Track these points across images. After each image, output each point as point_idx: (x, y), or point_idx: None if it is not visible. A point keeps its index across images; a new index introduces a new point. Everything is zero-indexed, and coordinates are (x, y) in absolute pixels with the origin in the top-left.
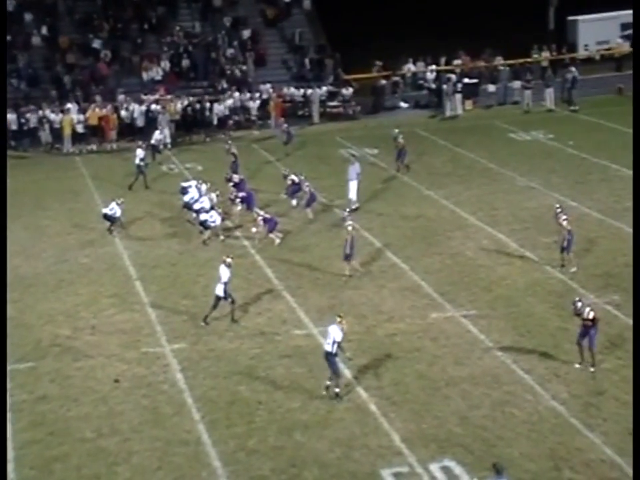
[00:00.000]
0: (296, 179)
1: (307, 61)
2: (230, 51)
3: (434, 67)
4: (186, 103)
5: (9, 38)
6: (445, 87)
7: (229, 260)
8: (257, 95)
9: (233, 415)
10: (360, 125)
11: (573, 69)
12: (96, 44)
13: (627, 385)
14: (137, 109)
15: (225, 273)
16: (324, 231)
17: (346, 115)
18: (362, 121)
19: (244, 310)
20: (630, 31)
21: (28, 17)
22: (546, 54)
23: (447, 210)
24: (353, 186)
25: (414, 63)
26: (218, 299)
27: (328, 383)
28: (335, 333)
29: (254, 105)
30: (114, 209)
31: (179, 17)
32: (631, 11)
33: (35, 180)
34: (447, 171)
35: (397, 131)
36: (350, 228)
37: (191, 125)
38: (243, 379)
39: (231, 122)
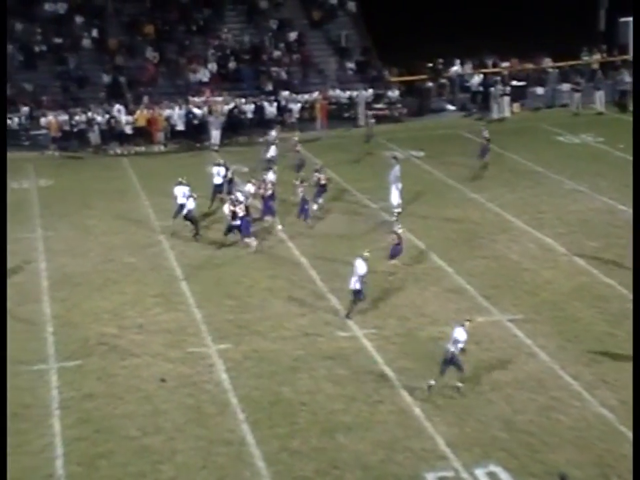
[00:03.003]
0: (323, 180)
1: (352, 63)
2: (276, 53)
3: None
4: (232, 105)
5: (59, 40)
6: (492, 89)
7: (366, 254)
8: (298, 96)
9: (275, 415)
10: (405, 127)
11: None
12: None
13: None
14: (177, 113)
15: (361, 266)
16: (367, 233)
17: (391, 117)
18: (407, 123)
19: (287, 311)
20: None
21: (78, 19)
22: (596, 56)
23: (492, 213)
24: (394, 190)
25: (461, 65)
26: (355, 292)
27: (432, 382)
28: (460, 334)
29: (295, 107)
30: (187, 201)
31: (225, 19)
32: None
33: (83, 180)
34: (492, 173)
35: (482, 126)
36: (400, 231)
37: (236, 127)
38: (285, 379)
39: (286, 122)
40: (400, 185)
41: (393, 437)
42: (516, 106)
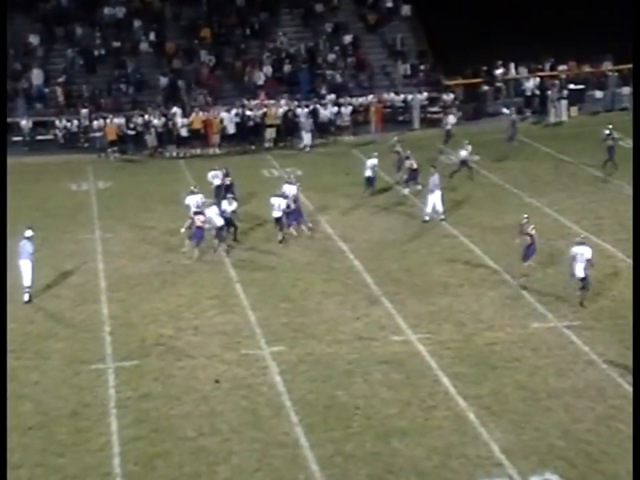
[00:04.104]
0: (415, 165)
1: (407, 66)
2: (331, 56)
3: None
4: (287, 108)
5: (118, 44)
6: (549, 92)
7: (583, 237)
8: (349, 100)
9: (330, 419)
10: (461, 131)
11: None
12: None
13: None
14: (227, 116)
15: (587, 251)
16: (423, 236)
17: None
18: (462, 127)
19: (341, 314)
20: None
21: (137, 23)
22: None
23: (550, 218)
24: (431, 198)
25: (516, 69)
26: (583, 279)
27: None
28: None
29: (346, 110)
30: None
31: (281, 23)
32: None
33: (140, 182)
34: (549, 178)
35: (608, 128)
36: (534, 231)
37: (291, 130)
38: (340, 383)
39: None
40: (440, 192)
41: (447, 443)
42: (573, 110)
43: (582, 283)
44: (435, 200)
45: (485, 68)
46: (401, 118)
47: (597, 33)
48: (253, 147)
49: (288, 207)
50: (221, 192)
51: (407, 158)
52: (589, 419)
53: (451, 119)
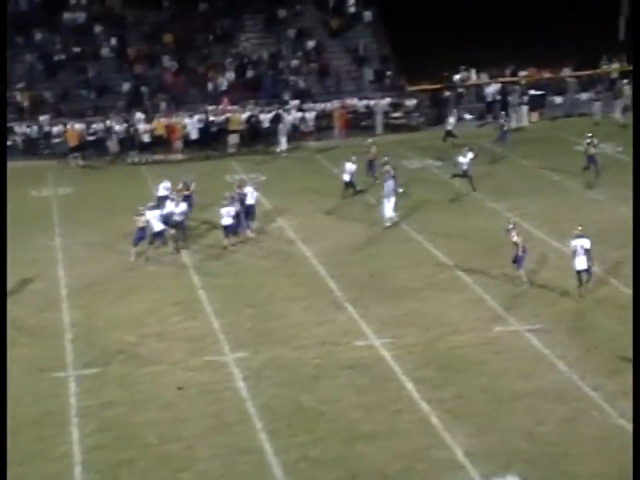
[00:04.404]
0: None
1: (371, 71)
2: (294, 62)
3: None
4: (250, 113)
5: (78, 49)
6: (510, 98)
7: (579, 229)
8: (312, 105)
9: (295, 424)
10: (423, 136)
11: None
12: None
13: None
14: (190, 122)
15: (586, 242)
16: (387, 241)
17: (409, 126)
18: (425, 132)
19: (306, 320)
20: None
21: (98, 28)
22: (616, 65)
23: None
24: (387, 204)
25: (478, 74)
26: (587, 271)
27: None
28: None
29: (310, 116)
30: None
31: (244, 28)
32: None
33: (101, 189)
34: (512, 183)
35: (589, 136)
36: (517, 239)
37: (255, 136)
38: (305, 388)
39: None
40: (393, 199)
41: (412, 447)
42: (534, 115)
43: (585, 274)
44: (389, 205)
45: (446, 74)
46: (364, 123)
47: (557, 39)
48: (216, 153)
49: (237, 214)
50: (164, 202)
51: (386, 163)
52: (551, 421)
53: (451, 119)
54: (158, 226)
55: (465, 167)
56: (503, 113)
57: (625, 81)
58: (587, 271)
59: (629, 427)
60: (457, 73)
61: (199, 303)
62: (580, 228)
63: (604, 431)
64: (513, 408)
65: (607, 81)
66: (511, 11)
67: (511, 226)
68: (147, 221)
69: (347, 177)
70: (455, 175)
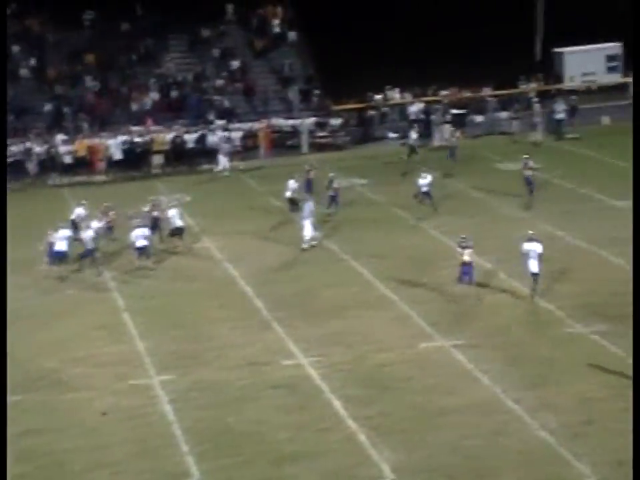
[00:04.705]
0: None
1: (295, 91)
2: (219, 82)
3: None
4: (174, 134)
5: None
6: (433, 117)
7: (531, 232)
8: (239, 125)
9: (221, 446)
10: (348, 155)
11: (573, 97)
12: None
13: (617, 414)
14: (113, 143)
15: (538, 246)
16: (313, 260)
17: (334, 145)
18: (350, 151)
19: (233, 340)
20: (615, 63)
21: (16, 48)
22: (533, 85)
23: (436, 240)
24: (307, 224)
25: (401, 93)
26: (536, 274)
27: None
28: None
29: (236, 135)
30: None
31: (168, 48)
32: (616, 44)
33: (20, 212)
34: (435, 200)
35: (525, 157)
36: (467, 259)
37: (179, 156)
38: (232, 410)
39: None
40: (313, 220)
41: (339, 465)
42: (456, 133)
43: (536, 277)
44: (309, 226)
45: (370, 93)
46: (289, 143)
47: (477, 59)
48: (140, 174)
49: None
50: (78, 225)
51: (331, 180)
52: (475, 435)
53: (413, 134)
54: (60, 246)
55: (425, 189)
56: (453, 129)
57: (536, 99)
58: (538, 274)
59: (550, 439)
60: (380, 92)
61: (123, 326)
62: (531, 232)
63: (526, 443)
64: (439, 423)
65: (524, 100)
66: (432, 32)
67: (462, 243)
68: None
69: (289, 194)
70: (416, 196)
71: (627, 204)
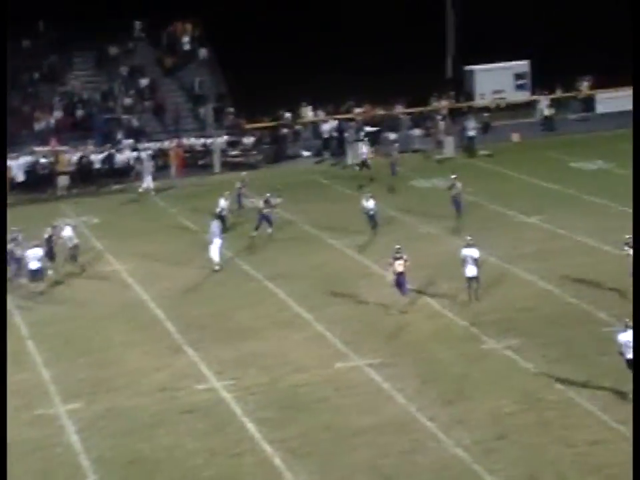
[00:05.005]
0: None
1: (207, 109)
2: (127, 100)
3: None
4: (80, 154)
5: None
6: (346, 134)
7: (469, 237)
8: (147, 144)
9: (132, 475)
10: (262, 174)
11: (486, 114)
12: None
13: (527, 429)
14: (15, 164)
15: (475, 252)
16: (226, 281)
17: (247, 164)
18: (263, 170)
19: (143, 366)
20: (523, 81)
21: None
22: (445, 102)
23: (351, 258)
24: (214, 245)
25: (314, 111)
26: (474, 278)
27: None
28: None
29: (145, 155)
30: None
31: (73, 66)
32: (523, 62)
33: None
34: (349, 219)
35: (451, 178)
36: (400, 269)
37: (86, 177)
38: (143, 437)
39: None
40: (220, 241)
41: None
42: (370, 151)
43: (473, 281)
44: (215, 248)
45: (281, 112)
46: (201, 162)
47: (389, 77)
48: (45, 196)
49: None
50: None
51: (267, 201)
52: (391, 454)
53: (363, 147)
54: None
55: (371, 213)
56: (396, 145)
57: (440, 117)
58: (476, 278)
59: (464, 455)
60: (293, 110)
61: (27, 354)
62: (469, 238)
63: (441, 460)
64: (355, 443)
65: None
66: (345, 49)
67: (397, 247)
68: None
69: (218, 211)
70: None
71: (537, 219)
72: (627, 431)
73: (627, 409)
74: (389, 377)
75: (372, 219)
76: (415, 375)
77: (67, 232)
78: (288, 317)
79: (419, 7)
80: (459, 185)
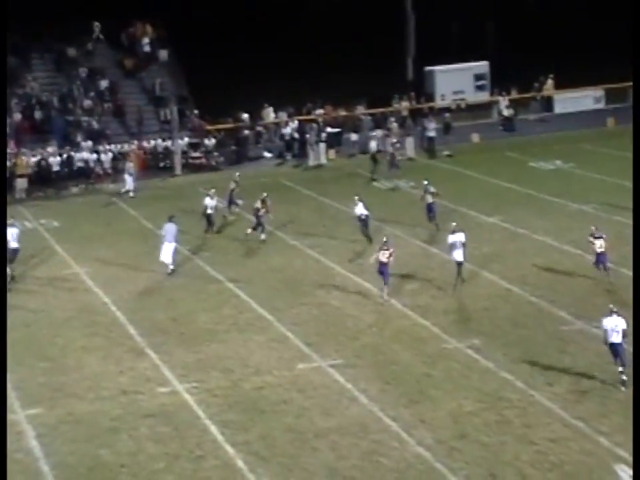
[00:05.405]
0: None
1: (167, 111)
2: (86, 102)
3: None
4: (39, 157)
5: None
6: (307, 136)
7: (454, 224)
8: (109, 147)
9: None
10: (223, 176)
11: (447, 114)
12: None
13: (488, 428)
14: None
15: (462, 237)
16: (188, 284)
17: (209, 166)
18: (225, 172)
19: (105, 370)
20: (483, 82)
21: None
22: (405, 103)
23: (313, 260)
24: (167, 248)
25: (275, 112)
26: (461, 263)
27: (621, 369)
28: (620, 323)
29: (106, 157)
30: None
31: (32, 68)
32: (483, 62)
33: None
34: (312, 220)
35: (425, 183)
36: (383, 259)
37: (45, 179)
38: (104, 442)
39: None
40: (174, 244)
41: None
42: (331, 152)
43: (460, 265)
44: (168, 250)
45: (241, 113)
46: (162, 164)
47: (350, 78)
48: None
49: None
50: None
51: (264, 200)
52: (353, 455)
53: (372, 143)
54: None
55: (363, 217)
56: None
57: (393, 119)
58: (463, 263)
59: (426, 454)
60: (254, 111)
61: None
62: (454, 224)
63: (403, 460)
64: (317, 445)
65: (398, 119)
66: (307, 50)
67: (385, 239)
68: None
69: (209, 211)
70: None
71: (497, 219)
72: (585, 427)
73: (585, 407)
74: (352, 377)
75: (363, 222)
76: (377, 375)
77: (8, 236)
78: (250, 319)
79: (379, 8)
80: (431, 189)
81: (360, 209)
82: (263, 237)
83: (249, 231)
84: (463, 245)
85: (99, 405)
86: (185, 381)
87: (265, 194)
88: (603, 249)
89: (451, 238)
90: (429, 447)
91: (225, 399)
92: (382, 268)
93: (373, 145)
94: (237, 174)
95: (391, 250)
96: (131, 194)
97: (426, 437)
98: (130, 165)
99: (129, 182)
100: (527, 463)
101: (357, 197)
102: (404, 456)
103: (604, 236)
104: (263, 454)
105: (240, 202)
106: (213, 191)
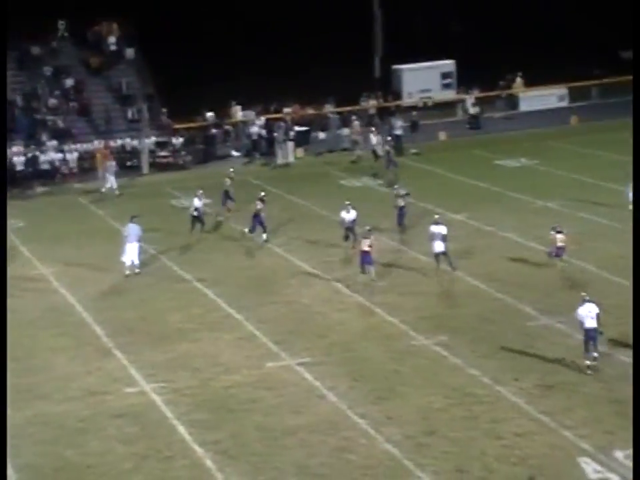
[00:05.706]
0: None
1: (134, 110)
2: (51, 101)
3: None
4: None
5: None
6: (275, 134)
7: (437, 216)
8: (75, 146)
9: None
10: (191, 175)
11: (414, 112)
12: None
13: (456, 424)
14: None
15: (443, 229)
16: (157, 284)
17: (176, 165)
18: (193, 171)
19: (72, 370)
20: (449, 80)
21: None
22: (373, 102)
23: (282, 258)
24: (131, 248)
25: (243, 111)
26: (443, 254)
27: (595, 355)
28: (593, 309)
29: (72, 156)
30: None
31: None
32: (449, 61)
33: None
34: (280, 219)
35: (395, 187)
36: (366, 248)
37: (10, 179)
38: (71, 442)
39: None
40: (137, 244)
41: None
42: (299, 151)
43: (443, 257)
44: (131, 251)
45: (206, 111)
46: (129, 163)
47: (318, 76)
48: None
49: None
50: None
51: (262, 199)
52: (322, 452)
53: (372, 138)
54: None
55: (349, 225)
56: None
57: (354, 117)
58: (445, 253)
59: (395, 451)
60: (221, 110)
61: None
62: (437, 216)
63: (372, 457)
64: (286, 443)
65: (365, 117)
66: (274, 48)
67: (368, 228)
68: None
69: (195, 213)
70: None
71: (464, 217)
72: (551, 421)
73: (551, 401)
74: (320, 375)
75: (350, 230)
76: (345, 373)
77: None
78: (218, 318)
79: (346, 7)
80: (402, 191)
81: (351, 216)
82: (264, 237)
83: (246, 230)
84: (444, 236)
85: (66, 406)
86: (153, 381)
87: (262, 193)
88: (563, 244)
89: (432, 228)
90: (398, 443)
91: (194, 398)
92: (363, 257)
93: (373, 139)
94: (231, 169)
95: (371, 242)
96: (116, 192)
97: (395, 433)
98: (112, 164)
99: (112, 180)
100: (493, 457)
101: (347, 202)
102: (373, 452)
103: (564, 231)
104: (232, 453)
105: (229, 201)
106: (200, 191)
